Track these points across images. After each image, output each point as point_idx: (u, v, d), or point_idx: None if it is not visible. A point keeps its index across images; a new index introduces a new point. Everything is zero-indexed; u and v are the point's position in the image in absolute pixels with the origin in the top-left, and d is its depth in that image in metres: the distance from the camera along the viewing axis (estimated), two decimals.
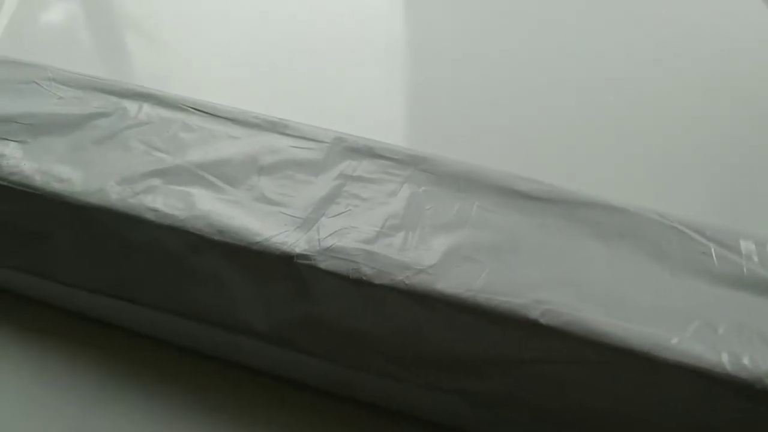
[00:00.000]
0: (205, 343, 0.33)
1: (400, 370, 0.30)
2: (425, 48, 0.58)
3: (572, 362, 0.27)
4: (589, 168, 0.44)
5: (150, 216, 0.31)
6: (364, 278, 0.29)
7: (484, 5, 0.62)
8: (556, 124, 0.48)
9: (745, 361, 0.26)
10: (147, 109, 0.37)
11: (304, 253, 0.30)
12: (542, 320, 0.27)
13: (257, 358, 0.33)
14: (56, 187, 0.33)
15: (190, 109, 0.37)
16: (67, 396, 0.32)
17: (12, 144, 0.35)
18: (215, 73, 0.52)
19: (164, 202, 0.32)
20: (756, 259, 0.30)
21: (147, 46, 0.58)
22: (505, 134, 0.47)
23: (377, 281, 0.29)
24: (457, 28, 0.59)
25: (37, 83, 0.39)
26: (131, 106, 0.37)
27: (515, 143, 0.46)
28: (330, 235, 0.30)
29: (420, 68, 0.55)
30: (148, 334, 0.34)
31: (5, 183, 0.33)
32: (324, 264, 0.30)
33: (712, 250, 0.30)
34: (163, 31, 0.59)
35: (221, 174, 0.33)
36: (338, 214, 0.31)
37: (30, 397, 0.32)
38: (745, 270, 0.29)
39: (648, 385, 0.27)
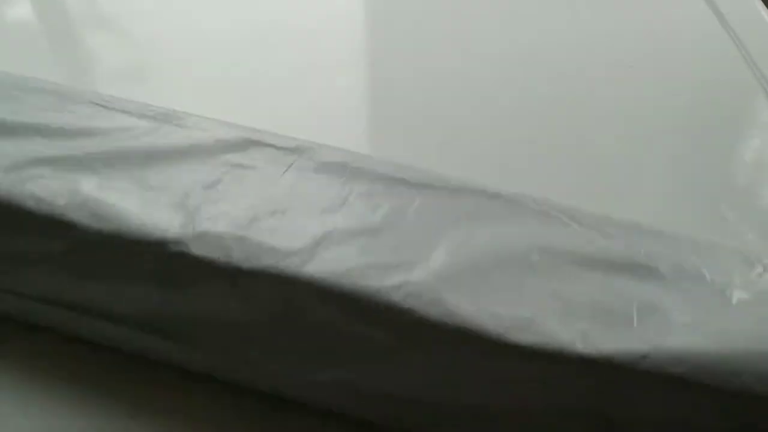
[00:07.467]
0: (86, 330, 0.33)
1: (268, 359, 0.30)
2: (388, 53, 0.57)
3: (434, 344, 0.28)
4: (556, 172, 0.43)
5: (31, 204, 0.32)
6: (233, 263, 0.29)
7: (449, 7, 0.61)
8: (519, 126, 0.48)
9: (594, 339, 0.26)
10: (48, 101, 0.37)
11: (177, 238, 0.30)
12: (404, 304, 0.28)
13: (131, 346, 0.33)
14: None
15: (90, 102, 0.37)
16: None
17: None
18: (178, 77, 0.51)
19: (48, 190, 0.32)
20: (622, 240, 0.30)
21: (111, 49, 0.57)
22: (470, 139, 0.46)
23: (246, 266, 0.29)
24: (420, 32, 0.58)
25: None
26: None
27: (481, 148, 0.45)
28: (205, 220, 0.31)
29: (384, 73, 0.54)
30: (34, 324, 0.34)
31: None
32: (196, 249, 0.30)
33: (580, 233, 0.30)
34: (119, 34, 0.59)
35: (109, 163, 0.34)
36: (217, 201, 0.32)
37: None
38: (607, 251, 0.30)
39: (502, 366, 0.27)
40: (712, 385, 0.25)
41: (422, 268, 0.29)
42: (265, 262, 0.29)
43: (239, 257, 0.29)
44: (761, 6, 0.57)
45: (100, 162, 0.33)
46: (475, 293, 0.28)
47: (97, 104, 0.37)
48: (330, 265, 0.29)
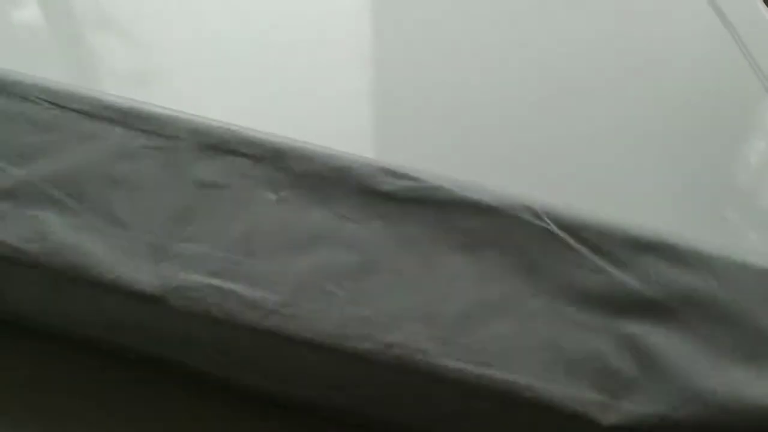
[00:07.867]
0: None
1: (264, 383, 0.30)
2: (392, 54, 0.53)
3: (421, 399, 0.27)
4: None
5: (6, 252, 0.30)
6: (214, 317, 0.28)
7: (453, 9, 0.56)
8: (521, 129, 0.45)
9: (596, 407, 0.25)
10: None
11: (155, 293, 0.28)
12: (393, 363, 0.26)
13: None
14: None
15: (38, 100, 0.33)
16: None
17: None
18: (183, 79, 0.48)
19: (17, 235, 0.30)
20: (632, 267, 0.27)
21: (116, 51, 0.53)
22: (475, 141, 0.44)
23: (228, 322, 0.28)
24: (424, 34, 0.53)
25: None
26: None
27: (484, 150, 0.44)
28: (181, 267, 0.29)
29: (388, 74, 0.51)
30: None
31: None
32: (174, 302, 0.28)
33: (584, 258, 0.27)
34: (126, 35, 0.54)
35: (72, 192, 0.31)
36: (191, 239, 0.29)
37: None
38: (615, 283, 0.27)
39: (497, 414, 0.26)
40: None
41: (411, 322, 0.27)
42: (248, 318, 0.28)
43: (219, 314, 0.28)
44: (762, 6, 0.54)
45: (62, 191, 0.31)
46: (468, 351, 0.26)
47: (50, 102, 0.33)
48: (314, 321, 0.27)
